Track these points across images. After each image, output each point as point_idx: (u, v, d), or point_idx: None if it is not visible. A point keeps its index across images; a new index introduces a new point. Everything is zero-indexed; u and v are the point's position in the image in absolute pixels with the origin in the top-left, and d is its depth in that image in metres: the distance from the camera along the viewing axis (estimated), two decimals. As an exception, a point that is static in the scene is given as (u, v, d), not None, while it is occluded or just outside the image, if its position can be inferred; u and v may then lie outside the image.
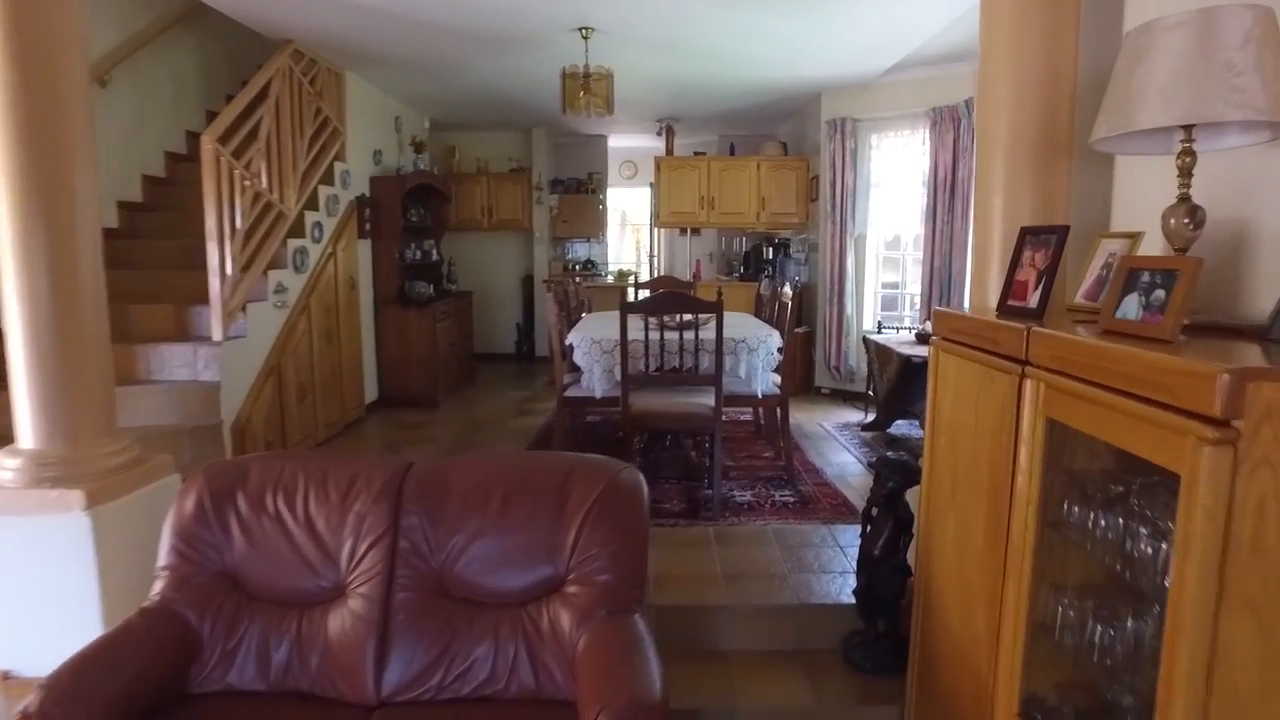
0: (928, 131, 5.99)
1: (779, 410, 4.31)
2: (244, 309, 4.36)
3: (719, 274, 9.09)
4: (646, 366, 3.76)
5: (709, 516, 3.68)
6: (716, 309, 3.57)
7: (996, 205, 2.23)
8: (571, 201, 9.26)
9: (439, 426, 5.97)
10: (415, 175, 6.86)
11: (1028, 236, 1.92)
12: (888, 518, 2.70)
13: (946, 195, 5.83)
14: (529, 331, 9.15)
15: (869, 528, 2.75)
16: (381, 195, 6.40)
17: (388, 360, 6.58)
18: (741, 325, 4.51)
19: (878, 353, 5.27)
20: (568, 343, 4.09)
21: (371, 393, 6.49)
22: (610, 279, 7.54)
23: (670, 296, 3.76)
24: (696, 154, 7.50)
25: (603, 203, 9.63)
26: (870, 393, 5.81)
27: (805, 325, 7.08)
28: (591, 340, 3.97)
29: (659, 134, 8.18)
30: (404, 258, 6.75)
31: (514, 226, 8.84)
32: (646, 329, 3.70)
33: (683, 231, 9.52)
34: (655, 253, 10.64)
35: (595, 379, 3.94)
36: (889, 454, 2.82)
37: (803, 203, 7.31)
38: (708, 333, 3.68)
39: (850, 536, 3.38)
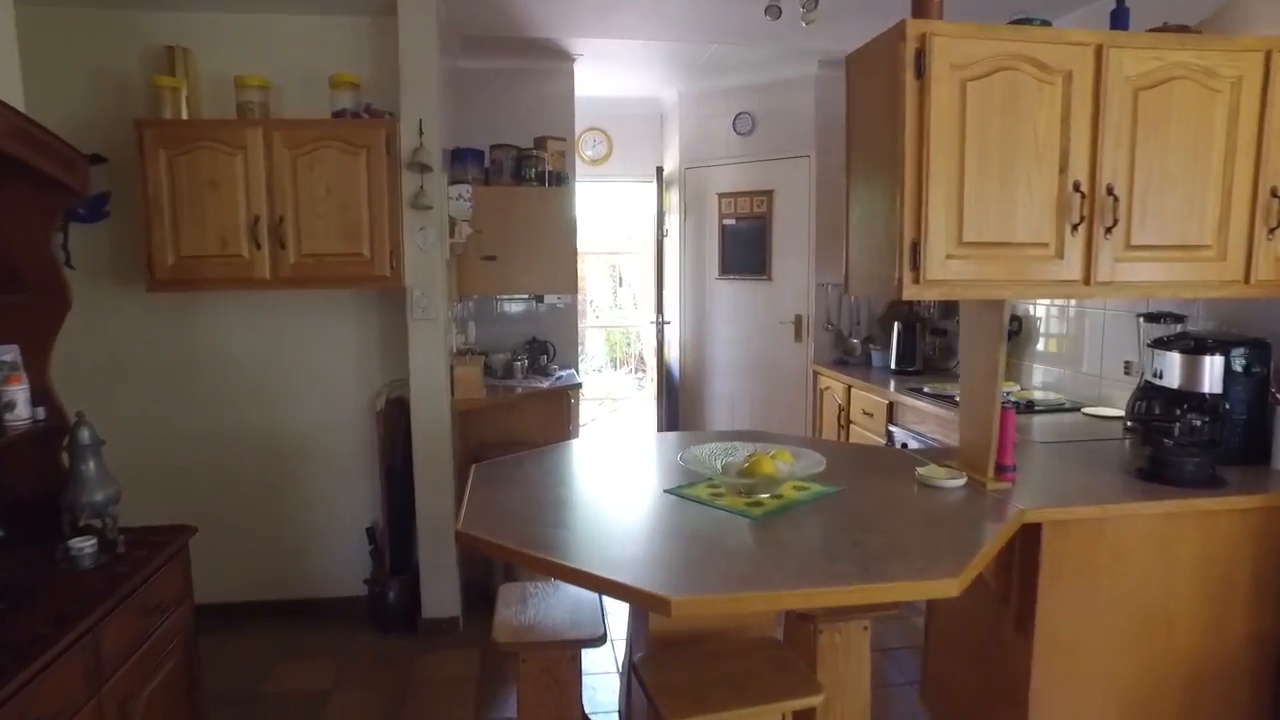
0: None
1: None
2: None
3: (840, 366, 3.65)
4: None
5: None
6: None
7: None
8: (504, 199, 3.68)
9: None
10: None
11: None
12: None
13: None
14: (404, 545, 3.40)
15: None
16: None
17: None
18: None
19: None
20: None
21: None
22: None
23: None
24: (1017, 21, 2.04)
25: (572, 210, 4.10)
26: None
27: None
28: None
29: (772, 10, 2.78)
30: None
31: (353, 274, 3.10)
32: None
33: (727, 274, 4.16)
34: (660, 317, 5.18)
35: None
36: None
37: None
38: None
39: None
